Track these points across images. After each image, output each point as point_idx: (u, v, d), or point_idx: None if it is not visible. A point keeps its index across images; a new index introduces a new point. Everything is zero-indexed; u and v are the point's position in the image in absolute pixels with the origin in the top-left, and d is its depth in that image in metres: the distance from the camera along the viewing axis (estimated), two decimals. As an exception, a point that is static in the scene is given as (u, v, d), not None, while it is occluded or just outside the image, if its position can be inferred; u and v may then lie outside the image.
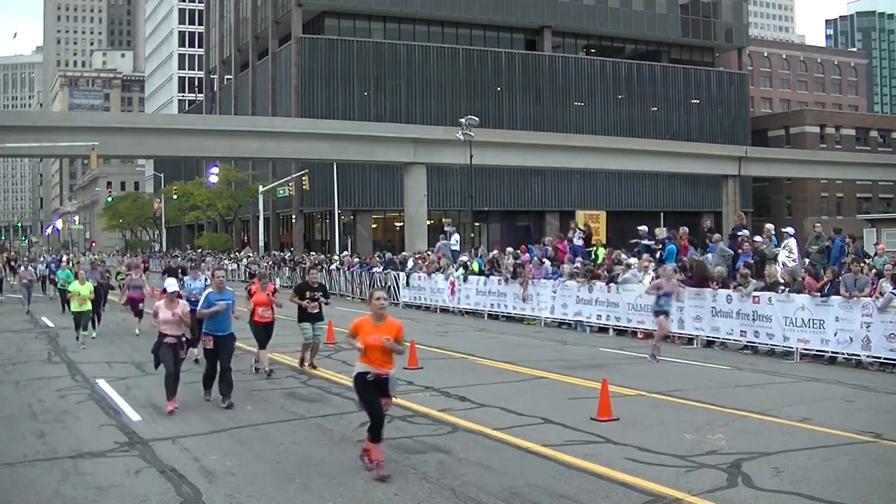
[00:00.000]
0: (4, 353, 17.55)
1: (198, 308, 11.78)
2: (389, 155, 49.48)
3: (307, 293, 14.43)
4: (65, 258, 46.50)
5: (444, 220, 40.68)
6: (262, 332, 13.97)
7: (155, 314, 11.17)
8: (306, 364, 14.50)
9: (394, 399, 8.29)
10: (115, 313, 24.04)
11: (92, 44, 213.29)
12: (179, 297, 11.67)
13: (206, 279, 15.75)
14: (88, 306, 18.40)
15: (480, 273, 25.59)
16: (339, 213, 55.20)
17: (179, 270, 21.14)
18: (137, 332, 19.92)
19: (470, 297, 25.65)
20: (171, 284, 11.72)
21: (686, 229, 22.43)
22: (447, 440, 9.27)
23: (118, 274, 33.57)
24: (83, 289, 18.42)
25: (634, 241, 23.16)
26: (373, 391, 7.87)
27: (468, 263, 26.80)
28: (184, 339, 11.28)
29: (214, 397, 11.49)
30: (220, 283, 11.93)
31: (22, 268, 34.79)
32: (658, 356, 15.11)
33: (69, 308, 19.53)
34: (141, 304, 20.53)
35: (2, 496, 7.52)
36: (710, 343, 17.58)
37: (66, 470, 8.26)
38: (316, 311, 14.37)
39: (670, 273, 15.90)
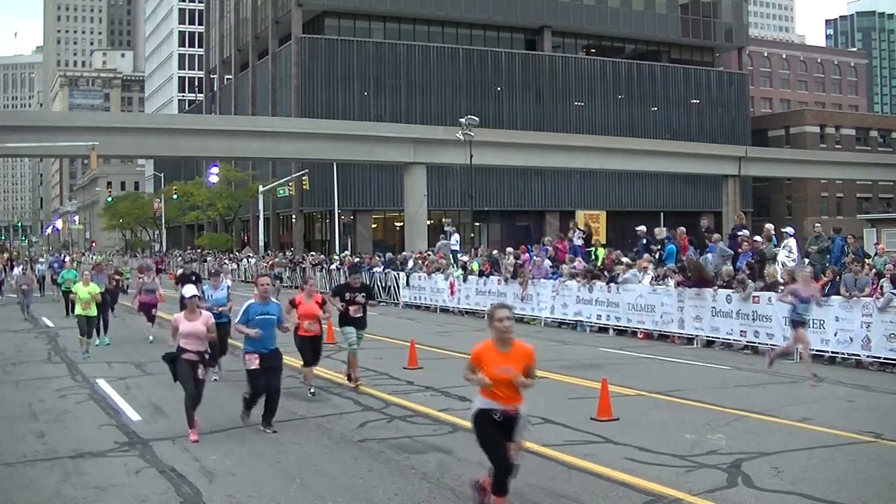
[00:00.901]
0: (4, 352, 17.55)
1: (235, 321, 10.26)
2: (389, 155, 49.48)
3: (347, 295, 12.82)
4: (67, 259, 45.55)
5: (444, 220, 40.71)
6: (309, 349, 12.02)
7: (175, 329, 9.60)
8: (354, 380, 12.74)
9: (524, 444, 6.77)
10: (123, 317, 22.70)
11: (92, 44, 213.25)
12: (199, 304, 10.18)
13: (228, 287, 14.41)
14: (93, 311, 16.96)
15: (481, 274, 25.57)
16: (339, 213, 55.19)
17: (194, 278, 18.63)
18: (151, 339, 18.43)
19: (470, 297, 25.65)
20: (190, 290, 10.15)
21: (683, 229, 22.44)
22: (447, 440, 9.27)
23: (121, 274, 33.29)
24: (87, 291, 17.01)
25: (638, 244, 23.14)
26: (498, 434, 6.45)
27: (468, 263, 26.81)
28: (206, 354, 9.69)
29: (253, 419, 10.00)
30: (264, 293, 10.11)
31: (18, 270, 32.49)
32: (818, 375, 12.94)
33: (74, 311, 17.94)
34: (154, 309, 19.10)
35: (2, 496, 7.52)
36: (710, 343, 17.58)
37: (66, 470, 8.26)
38: (359, 315, 12.82)
39: (808, 276, 13.79)
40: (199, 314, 9.76)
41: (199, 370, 9.47)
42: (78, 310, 16.93)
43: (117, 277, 22.91)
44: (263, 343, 9.78)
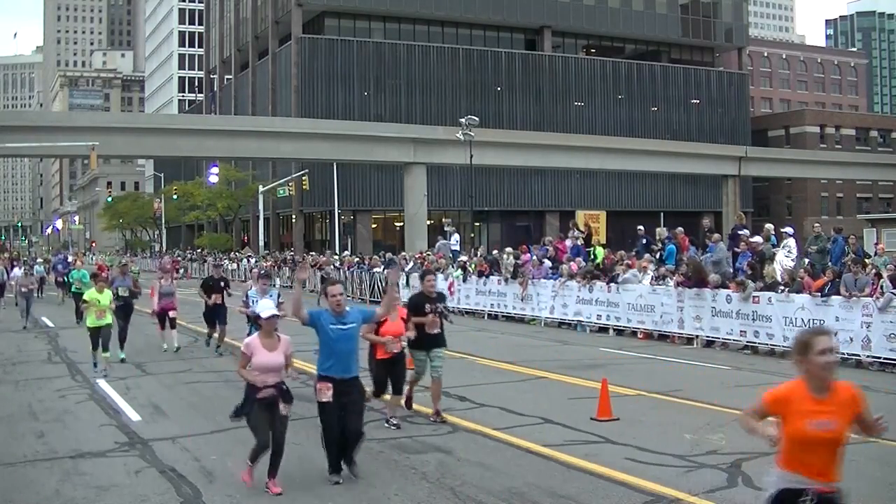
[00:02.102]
0: (4, 352, 17.55)
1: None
2: (389, 155, 49.49)
3: (426, 305, 10.08)
4: (70, 257, 44.03)
5: (444, 219, 40.68)
6: (389, 373, 9.66)
7: (247, 360, 7.41)
8: (428, 408, 10.39)
9: None
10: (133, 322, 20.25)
11: (92, 44, 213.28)
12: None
13: (278, 294, 12.13)
14: (108, 319, 14.57)
15: (480, 274, 25.56)
16: (339, 213, 55.21)
17: (223, 284, 17.07)
18: (166, 348, 16.88)
19: (470, 297, 25.65)
20: (268, 306, 7.66)
21: (681, 229, 22.45)
22: (447, 440, 9.27)
23: (132, 271, 32.81)
24: (103, 297, 14.68)
25: (638, 244, 23.14)
26: None
27: (467, 263, 26.81)
28: (284, 387, 7.55)
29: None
30: (338, 305, 7.67)
31: (17, 270, 29.01)
32: None
33: (85, 319, 15.26)
34: (173, 313, 17.00)
35: (2, 496, 7.52)
36: (710, 343, 17.58)
37: (66, 470, 8.26)
38: (436, 331, 10.12)
39: None
40: (277, 339, 7.47)
41: (279, 406, 7.40)
42: (90, 319, 14.54)
43: (139, 281, 20.15)
44: (341, 366, 7.52)
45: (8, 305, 29.22)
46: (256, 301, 11.49)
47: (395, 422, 9.76)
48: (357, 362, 7.72)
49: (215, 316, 16.72)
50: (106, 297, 14.74)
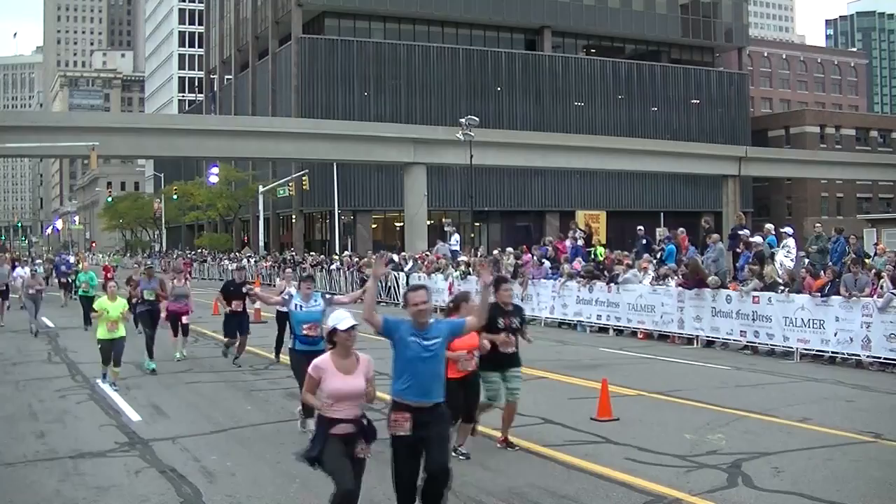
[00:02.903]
0: (5, 353, 17.53)
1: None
2: (389, 155, 49.48)
3: (500, 321, 8.49)
4: (72, 258, 42.36)
5: (443, 219, 40.69)
6: (461, 394, 8.08)
7: (315, 385, 5.86)
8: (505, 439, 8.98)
9: None
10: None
11: (92, 44, 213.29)
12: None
13: (322, 296, 10.28)
14: (121, 332, 12.79)
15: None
16: (339, 213, 55.21)
17: (245, 290, 14.86)
18: (179, 357, 15.68)
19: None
20: (343, 316, 5.98)
21: (683, 230, 22.47)
22: (447, 440, 9.24)
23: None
24: (114, 307, 12.77)
25: (638, 244, 23.14)
26: None
27: (468, 263, 26.79)
28: (364, 421, 5.99)
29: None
30: (421, 315, 6.10)
31: (24, 270, 26.54)
32: None
33: (96, 328, 13.21)
34: (185, 318, 15.75)
35: (2, 496, 7.52)
36: (710, 343, 17.58)
37: (66, 470, 8.26)
38: (511, 350, 8.62)
39: None
40: (355, 358, 5.97)
41: (358, 447, 5.89)
42: (101, 331, 12.71)
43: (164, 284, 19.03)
44: (422, 389, 5.99)
45: (13, 307, 26.19)
46: (300, 307, 9.92)
47: (464, 451, 8.39)
48: (442, 386, 6.20)
49: (236, 325, 15.12)
50: (118, 306, 12.84)
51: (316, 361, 5.95)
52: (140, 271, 19.08)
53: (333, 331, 5.94)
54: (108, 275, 29.74)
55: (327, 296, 10.51)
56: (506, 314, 8.56)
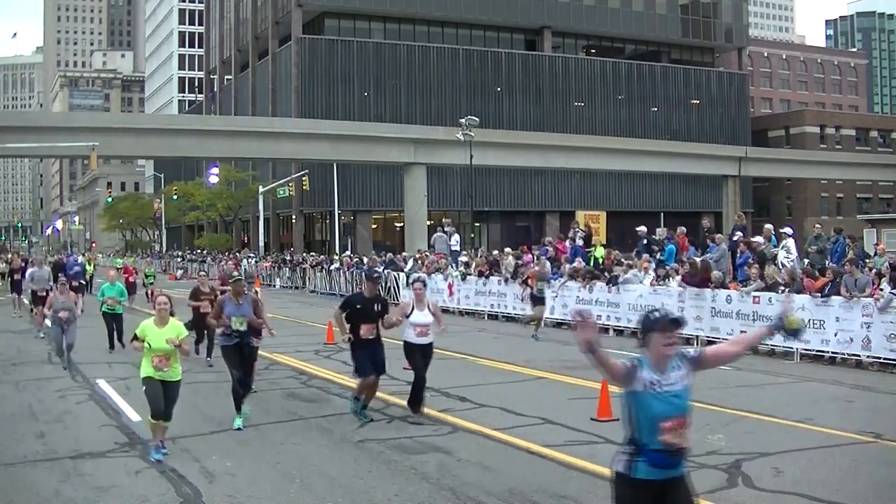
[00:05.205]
0: (4, 353, 17.51)
1: None
2: (389, 155, 49.50)
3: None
4: (80, 259, 37.14)
5: (443, 220, 40.70)
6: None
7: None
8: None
9: None
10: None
11: (92, 44, 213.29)
12: None
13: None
14: (177, 374, 8.82)
15: (480, 274, 25.56)
16: (339, 214, 55.22)
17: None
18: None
19: (469, 297, 25.64)
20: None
21: (683, 229, 22.45)
22: (447, 440, 9.27)
23: (147, 276, 29.77)
24: (164, 334, 8.61)
25: (638, 244, 23.13)
26: None
27: (469, 263, 26.82)
28: None
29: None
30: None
31: (34, 270, 21.79)
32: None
33: (141, 366, 8.89)
34: (256, 340, 11.56)
35: (2, 496, 7.52)
36: (710, 343, 17.55)
37: (66, 470, 8.26)
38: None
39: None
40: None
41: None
42: (145, 367, 8.70)
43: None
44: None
45: (24, 311, 24.91)
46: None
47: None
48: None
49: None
50: (169, 332, 8.62)
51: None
52: (229, 287, 11.37)
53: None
54: (131, 278, 27.97)
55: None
56: None
